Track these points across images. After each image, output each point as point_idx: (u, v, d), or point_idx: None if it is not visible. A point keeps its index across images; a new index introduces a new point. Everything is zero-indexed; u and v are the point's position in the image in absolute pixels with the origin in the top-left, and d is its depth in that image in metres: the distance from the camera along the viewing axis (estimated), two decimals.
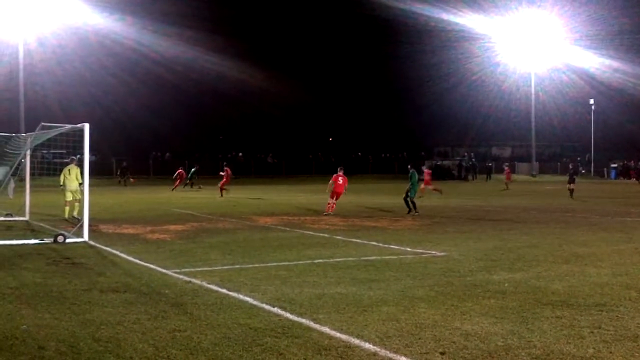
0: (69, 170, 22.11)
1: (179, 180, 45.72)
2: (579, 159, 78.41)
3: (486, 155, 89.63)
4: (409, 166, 26.26)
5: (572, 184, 34.37)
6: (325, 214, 24.22)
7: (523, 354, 6.95)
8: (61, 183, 22.21)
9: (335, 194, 24.97)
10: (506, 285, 10.52)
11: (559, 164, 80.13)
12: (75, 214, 21.78)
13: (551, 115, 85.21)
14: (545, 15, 74.81)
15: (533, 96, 78.91)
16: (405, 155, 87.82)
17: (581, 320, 8.31)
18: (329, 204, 24.88)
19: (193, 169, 48.51)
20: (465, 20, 75.27)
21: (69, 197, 22.04)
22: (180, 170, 46.94)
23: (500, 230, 19.23)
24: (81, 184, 21.78)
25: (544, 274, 11.65)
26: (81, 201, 21.71)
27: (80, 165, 19.34)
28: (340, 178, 25.19)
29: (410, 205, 24.68)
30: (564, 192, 35.02)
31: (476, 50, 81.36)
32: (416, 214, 24.17)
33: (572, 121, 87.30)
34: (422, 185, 33.28)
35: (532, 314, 8.60)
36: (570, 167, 37.51)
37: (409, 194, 24.88)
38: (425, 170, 37.82)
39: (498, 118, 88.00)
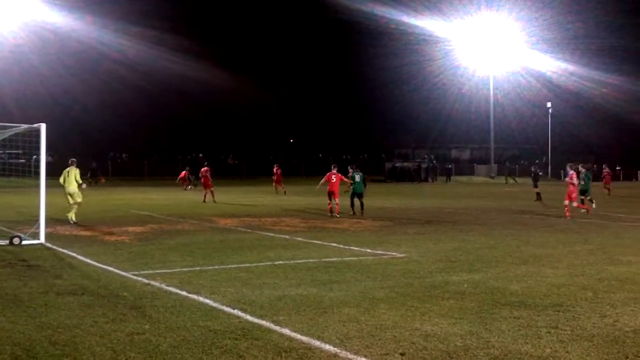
0: (68, 172, 21.55)
1: (185, 181, 47.79)
2: (537, 161, 79.49)
3: (446, 157, 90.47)
4: (349, 167, 26.96)
5: (537, 188, 34.53)
6: (331, 215, 24.33)
7: (481, 354, 7.01)
8: (61, 183, 21.59)
9: (331, 193, 24.85)
10: (465, 286, 10.62)
11: (517, 166, 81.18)
12: (73, 218, 21.11)
13: (510, 118, 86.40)
14: (504, 19, 75.83)
15: (492, 99, 79.91)
16: (366, 157, 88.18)
17: (538, 320, 8.42)
18: (329, 204, 24.91)
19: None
20: (426, 23, 75.93)
21: (70, 200, 21.50)
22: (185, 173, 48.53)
23: (460, 231, 19.41)
24: (80, 185, 21.45)
25: (502, 274, 11.78)
26: (80, 204, 21.35)
27: (37, 170, 18.95)
28: (333, 176, 25.02)
29: (354, 204, 25.27)
30: (523, 194, 35.48)
31: (436, 53, 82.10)
32: (352, 214, 24.77)
33: (530, 124, 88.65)
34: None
35: (490, 315, 8.69)
36: (532, 169, 37.36)
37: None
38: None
39: (458, 120, 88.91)
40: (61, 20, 61.26)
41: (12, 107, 61.22)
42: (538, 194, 33.51)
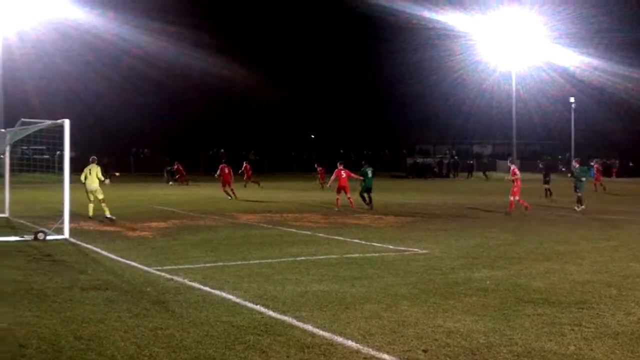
0: (90, 169, 21.64)
1: (178, 175, 48.19)
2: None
3: (467, 153, 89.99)
4: (363, 162, 27.94)
5: (547, 184, 33.47)
6: (336, 210, 24.59)
7: (505, 351, 6.99)
8: (82, 181, 21.71)
9: (342, 188, 25.53)
10: (488, 282, 10.58)
11: (539, 161, 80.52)
12: (107, 214, 21.04)
13: (532, 114, 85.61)
14: (526, 14, 75.14)
15: (514, 94, 79.23)
16: (387, 153, 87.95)
17: (562, 317, 8.38)
18: (337, 198, 25.44)
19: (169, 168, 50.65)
20: (447, 18, 75.36)
21: (91, 197, 21.62)
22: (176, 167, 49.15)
23: (482, 228, 19.32)
24: (103, 181, 21.61)
25: (525, 271, 11.73)
26: (105, 200, 21.47)
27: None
28: (342, 172, 25.72)
29: (366, 199, 25.55)
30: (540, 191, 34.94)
31: (457, 48, 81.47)
32: (367, 207, 25.07)
33: (552, 119, 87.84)
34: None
35: (513, 312, 8.65)
36: (541, 166, 36.27)
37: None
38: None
39: (479, 116, 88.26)
40: (83, 16, 61.48)
41: (34, 103, 61.78)
42: (547, 190, 32.72)
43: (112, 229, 18.56)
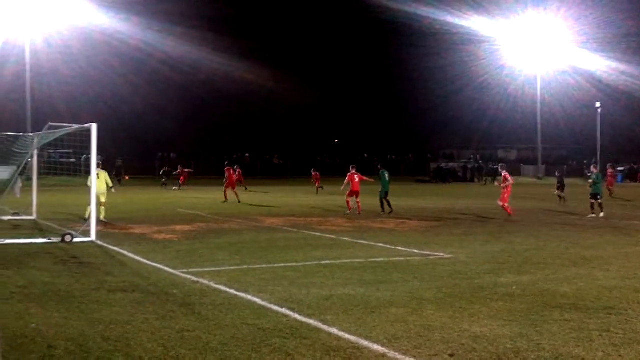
0: (98, 174, 21.93)
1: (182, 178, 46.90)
2: (564, 167, 77.91)
3: (492, 158, 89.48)
4: (379, 166, 27.79)
5: (559, 191, 32.58)
6: (347, 214, 24.73)
7: (532, 356, 6.94)
8: (88, 184, 22.02)
9: (355, 193, 25.58)
10: (514, 288, 10.51)
11: (565, 166, 79.87)
12: (102, 217, 21.41)
13: (557, 118, 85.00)
14: (551, 18, 74.66)
15: (539, 99, 78.75)
16: (411, 157, 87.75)
17: (590, 323, 8.30)
18: (348, 201, 25.55)
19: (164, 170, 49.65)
20: (471, 23, 75.09)
21: (102, 199, 21.94)
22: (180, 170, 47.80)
23: (507, 232, 19.20)
24: (111, 188, 21.88)
25: (551, 277, 11.63)
26: (105, 205, 21.81)
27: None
28: (355, 176, 25.77)
29: (385, 205, 25.35)
30: (570, 195, 34.64)
31: (482, 53, 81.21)
32: (382, 213, 24.88)
33: (578, 124, 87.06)
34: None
35: (540, 317, 8.59)
36: (557, 173, 35.55)
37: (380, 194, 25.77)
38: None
39: (504, 120, 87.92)
40: (108, 21, 62.12)
41: (60, 107, 62.41)
42: (559, 196, 32.02)
43: (138, 231, 18.69)
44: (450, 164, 77.81)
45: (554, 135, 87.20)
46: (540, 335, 7.73)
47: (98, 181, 21.65)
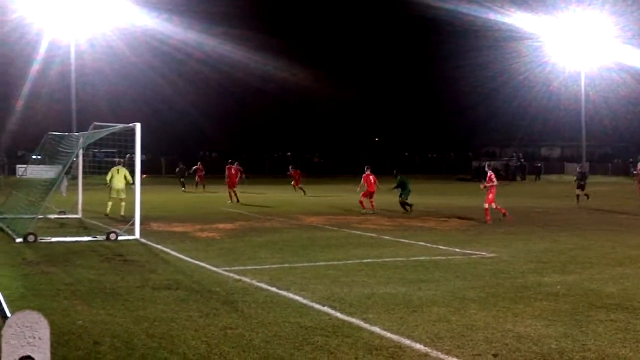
0: (118, 170, 22.71)
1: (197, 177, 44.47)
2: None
3: (535, 156, 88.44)
4: (394, 171, 27.09)
5: (580, 189, 30.46)
6: (364, 212, 24.60)
7: (577, 357, 6.85)
8: (107, 181, 22.78)
9: (369, 194, 25.52)
10: (558, 287, 10.38)
11: (610, 164, 78.58)
12: (122, 213, 22.21)
13: (602, 115, 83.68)
14: (595, 14, 73.44)
15: (583, 96, 77.51)
16: (452, 156, 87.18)
17: (637, 324, 8.16)
18: (361, 201, 25.38)
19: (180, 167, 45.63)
20: (513, 19, 74.19)
21: (114, 194, 22.81)
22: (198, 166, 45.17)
23: (551, 231, 18.96)
24: (132, 184, 22.21)
25: (597, 276, 11.46)
26: (126, 200, 22.26)
27: (132, 164, 19.74)
28: (371, 177, 25.72)
29: (407, 207, 25.16)
30: (615, 193, 33.97)
31: (524, 50, 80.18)
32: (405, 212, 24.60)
33: (623, 121, 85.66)
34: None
35: (585, 317, 8.47)
36: (578, 169, 33.63)
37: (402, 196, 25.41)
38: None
39: (547, 118, 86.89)
40: (150, 22, 62.80)
41: (103, 107, 63.45)
42: (578, 196, 30.67)
43: (181, 229, 18.89)
44: (492, 162, 77.07)
45: (598, 132, 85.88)
46: (586, 335, 7.62)
47: (116, 178, 22.35)
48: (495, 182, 22.76)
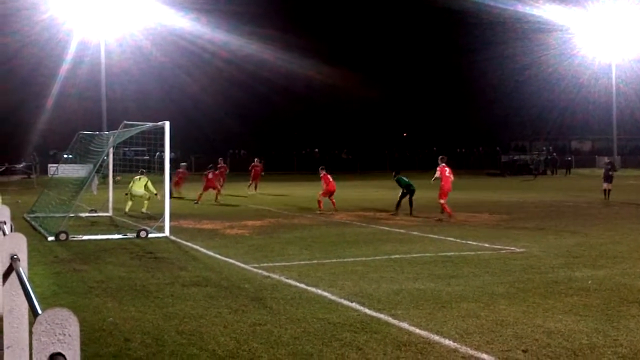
0: (139, 178, 23.13)
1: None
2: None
3: (565, 149, 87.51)
4: (394, 173, 25.15)
5: (607, 184, 29.49)
6: (319, 212, 23.53)
7: (609, 352, 6.79)
8: (129, 189, 23.22)
9: (329, 193, 24.49)
10: (589, 282, 10.28)
11: (606, 158, 77.43)
12: (144, 209, 22.99)
13: (633, 108, 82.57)
14: (626, 5, 72.47)
15: (614, 88, 76.54)
16: (480, 150, 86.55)
17: None
18: (319, 201, 24.28)
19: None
20: (541, 11, 73.52)
21: (133, 198, 23.49)
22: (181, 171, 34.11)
23: (582, 226, 18.76)
24: (156, 195, 22.52)
25: (629, 271, 11.33)
26: (149, 199, 22.71)
27: (161, 166, 20.09)
28: (329, 176, 24.77)
29: (398, 206, 23.13)
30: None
31: (553, 42, 79.38)
32: (393, 213, 22.66)
33: None
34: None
35: (617, 312, 8.38)
36: (606, 160, 32.16)
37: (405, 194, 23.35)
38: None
39: (577, 111, 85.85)
40: (178, 21, 63.27)
41: (131, 106, 63.96)
42: (605, 190, 29.81)
43: (210, 227, 19.00)
44: (522, 157, 76.36)
45: (629, 125, 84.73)
46: (617, 330, 7.55)
47: (136, 184, 22.80)
48: (438, 175, 21.50)
